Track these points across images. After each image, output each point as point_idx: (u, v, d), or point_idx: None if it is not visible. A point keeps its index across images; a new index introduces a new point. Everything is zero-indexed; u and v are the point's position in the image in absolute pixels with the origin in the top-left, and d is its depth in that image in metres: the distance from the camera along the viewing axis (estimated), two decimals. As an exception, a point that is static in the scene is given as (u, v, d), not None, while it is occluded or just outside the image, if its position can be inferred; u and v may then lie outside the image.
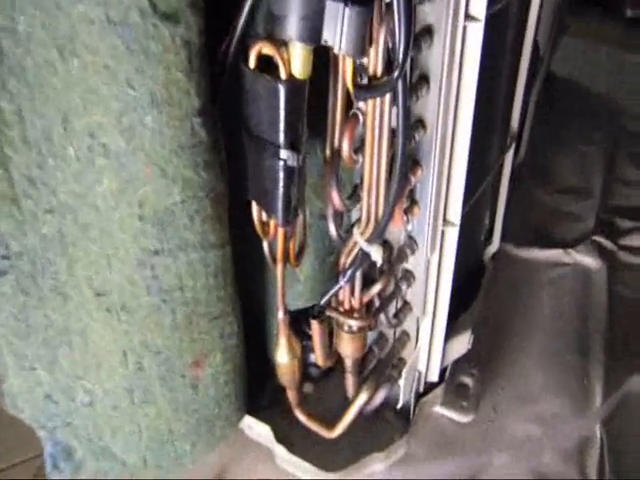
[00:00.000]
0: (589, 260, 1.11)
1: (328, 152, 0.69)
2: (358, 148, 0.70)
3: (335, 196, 0.71)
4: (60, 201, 0.66)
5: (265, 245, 0.74)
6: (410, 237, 0.76)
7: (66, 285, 0.70)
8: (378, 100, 0.63)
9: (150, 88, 0.58)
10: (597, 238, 1.14)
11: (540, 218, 1.17)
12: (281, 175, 0.64)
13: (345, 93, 0.65)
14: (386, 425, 0.90)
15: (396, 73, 0.58)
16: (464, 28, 0.65)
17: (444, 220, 0.76)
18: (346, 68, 0.59)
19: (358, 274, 0.74)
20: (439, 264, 0.78)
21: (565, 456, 0.89)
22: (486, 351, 1.00)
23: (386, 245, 0.78)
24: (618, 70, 1.51)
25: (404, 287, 0.78)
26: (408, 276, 0.79)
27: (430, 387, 0.93)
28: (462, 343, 0.91)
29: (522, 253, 1.13)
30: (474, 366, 0.98)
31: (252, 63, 0.60)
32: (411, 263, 0.78)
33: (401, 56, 0.57)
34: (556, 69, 1.46)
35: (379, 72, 0.60)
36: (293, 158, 0.63)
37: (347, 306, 0.76)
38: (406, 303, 0.82)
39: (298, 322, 0.84)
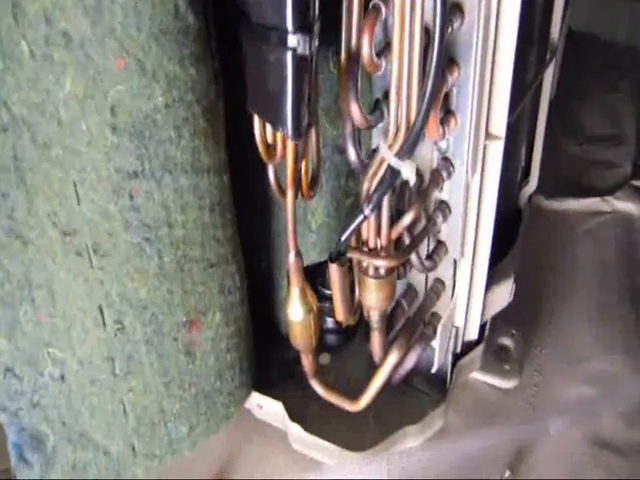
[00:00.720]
0: (630, 206, 0.98)
1: (344, 56, 0.56)
2: (381, 51, 0.56)
3: (355, 108, 0.57)
4: (13, 115, 0.52)
5: (270, 172, 0.60)
6: (445, 159, 0.63)
7: (25, 225, 0.55)
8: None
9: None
10: (636, 183, 1.01)
11: (571, 168, 1.04)
12: (289, 68, 0.50)
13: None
14: (419, 394, 0.76)
15: None
16: None
17: (486, 133, 0.62)
18: None
19: (385, 203, 0.60)
20: (480, 190, 0.64)
21: (628, 419, 0.75)
22: (525, 309, 0.86)
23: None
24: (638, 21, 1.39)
25: (439, 220, 0.65)
26: (443, 208, 0.65)
27: (466, 349, 0.79)
28: (503, 295, 0.77)
29: (554, 205, 1.00)
30: (513, 326, 0.84)
31: None
32: (446, 192, 0.64)
33: None
34: (572, 24, 1.34)
35: None
36: (304, 44, 0.49)
37: (372, 245, 0.62)
38: (440, 243, 0.68)
39: (311, 280, 0.70)
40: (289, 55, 0.50)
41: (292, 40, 0.49)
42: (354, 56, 0.57)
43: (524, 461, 0.74)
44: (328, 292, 0.77)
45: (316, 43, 0.50)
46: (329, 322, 0.80)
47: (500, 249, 0.82)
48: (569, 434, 0.74)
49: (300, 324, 0.65)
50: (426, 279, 0.72)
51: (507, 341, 0.84)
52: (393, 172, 0.57)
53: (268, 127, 0.57)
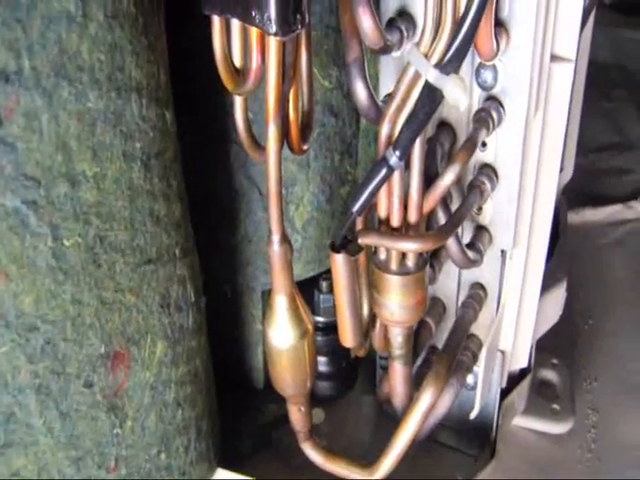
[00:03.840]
0: (657, 210, 0.80)
1: None
2: None
3: (366, 17, 0.35)
4: None
5: (238, 110, 0.37)
6: (490, 98, 0.41)
7: None
8: None
9: None
10: (655, 187, 0.83)
11: (582, 179, 0.86)
12: None
13: None
14: (453, 454, 0.52)
15: None
16: None
17: (551, 55, 0.41)
18: None
19: (417, 152, 0.38)
20: (541, 144, 0.42)
21: None
22: (562, 333, 0.64)
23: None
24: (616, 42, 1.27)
25: (486, 189, 0.42)
26: (488, 173, 0.43)
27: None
28: (555, 306, 0.54)
29: (573, 218, 0.80)
30: (552, 354, 0.62)
31: None
32: (491, 149, 0.42)
33: None
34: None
35: None
36: None
37: (397, 222, 0.39)
38: (480, 229, 0.46)
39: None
40: None
41: None
42: None
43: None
44: (319, 319, 0.53)
45: None
46: (320, 364, 0.55)
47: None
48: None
49: (289, 353, 0.40)
50: (458, 286, 0.49)
51: (549, 374, 0.61)
52: (432, 94, 0.35)
53: (234, 33, 0.35)
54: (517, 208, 0.44)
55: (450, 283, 0.49)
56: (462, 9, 0.35)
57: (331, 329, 0.52)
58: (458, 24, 0.34)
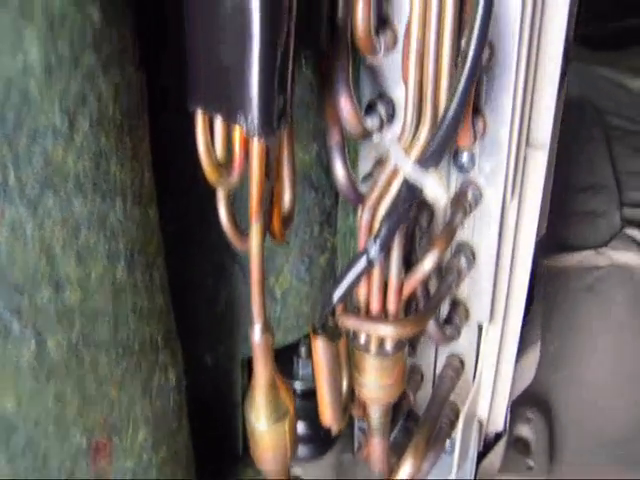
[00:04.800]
0: (628, 257, 0.81)
1: (326, 34, 0.36)
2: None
3: (347, 105, 0.37)
4: None
5: (221, 202, 0.37)
6: (467, 180, 0.42)
7: None
8: None
9: None
10: (630, 232, 0.85)
11: (555, 221, 0.87)
12: (257, 20, 0.29)
13: None
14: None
15: None
16: None
17: (527, 141, 0.42)
18: None
19: (397, 242, 0.38)
20: (517, 223, 0.43)
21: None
22: (538, 385, 0.65)
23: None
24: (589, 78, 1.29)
25: (463, 268, 0.43)
26: (465, 251, 0.44)
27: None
28: (529, 368, 0.56)
29: (545, 262, 0.81)
30: (527, 407, 0.63)
31: None
32: (468, 228, 0.43)
33: None
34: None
35: None
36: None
37: (377, 306, 0.40)
38: (456, 303, 0.47)
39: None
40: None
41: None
42: (342, 33, 0.37)
43: None
44: (298, 385, 0.53)
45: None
46: (299, 428, 0.55)
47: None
48: None
49: (270, 435, 0.41)
50: (435, 356, 0.50)
51: (524, 429, 0.62)
52: (411, 189, 0.36)
53: (217, 128, 0.35)
54: (494, 285, 0.45)
55: (428, 352, 0.50)
56: (442, 105, 0.36)
57: (310, 395, 0.52)
58: (439, 123, 0.35)
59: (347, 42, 0.38)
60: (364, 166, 0.44)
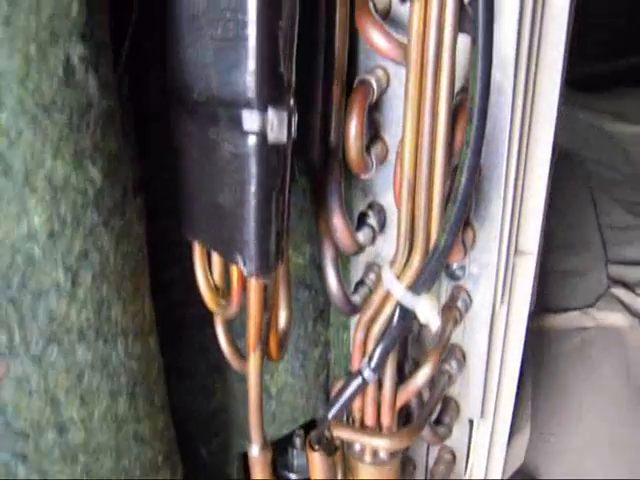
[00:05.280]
0: (615, 317, 0.83)
1: (318, 151, 0.37)
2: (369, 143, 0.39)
3: (340, 224, 0.38)
4: None
5: (219, 327, 0.38)
6: (458, 287, 0.43)
7: None
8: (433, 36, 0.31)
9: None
10: (616, 291, 0.86)
11: (540, 281, 0.89)
12: (256, 164, 0.30)
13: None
14: None
15: None
16: None
17: (515, 249, 0.43)
18: None
19: (390, 361, 0.39)
20: (506, 322, 0.45)
21: None
22: (527, 454, 0.66)
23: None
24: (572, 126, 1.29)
25: (453, 372, 0.44)
26: (456, 353, 0.45)
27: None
28: (517, 454, 0.56)
29: (531, 323, 0.82)
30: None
31: None
32: (459, 331, 0.44)
33: None
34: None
35: None
36: (279, 126, 0.29)
37: (372, 419, 0.41)
38: (448, 400, 0.48)
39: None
40: (254, 142, 0.30)
41: (254, 119, 0.29)
42: (334, 152, 0.38)
43: None
44: (292, 476, 0.54)
45: (295, 123, 0.30)
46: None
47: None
48: None
49: None
50: (427, 449, 0.51)
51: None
52: (404, 313, 0.37)
53: (215, 259, 0.36)
54: (484, 382, 0.46)
55: (420, 444, 0.51)
56: (433, 234, 0.37)
57: (305, 485, 0.53)
58: (430, 253, 0.36)
59: (339, 161, 0.40)
60: (356, 271, 0.45)
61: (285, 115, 0.29)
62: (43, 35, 0.26)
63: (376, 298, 0.38)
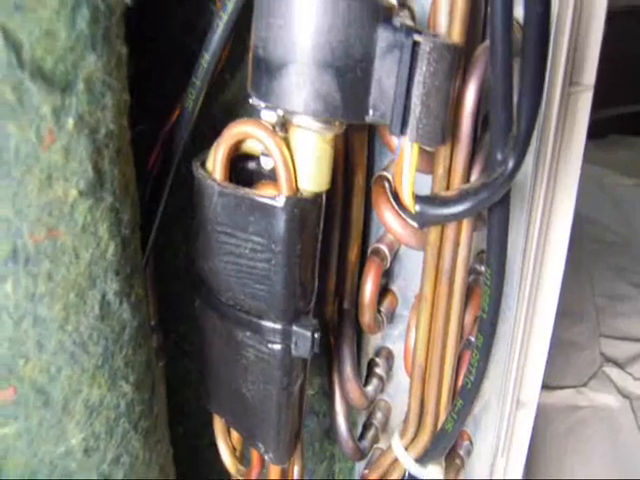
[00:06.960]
0: (608, 398, 0.84)
1: (331, 315, 0.39)
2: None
3: (353, 387, 0.40)
4: None
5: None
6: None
7: None
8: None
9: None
10: (608, 370, 0.87)
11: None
12: (279, 373, 0.32)
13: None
14: None
15: (510, 166, 0.28)
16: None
17: (517, 401, 0.45)
18: (403, 168, 0.29)
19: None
20: (505, 472, 0.46)
21: None
22: None
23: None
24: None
25: None
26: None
27: None
28: None
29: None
30: None
31: (219, 171, 0.29)
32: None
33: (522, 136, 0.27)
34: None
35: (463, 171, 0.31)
36: (302, 341, 0.31)
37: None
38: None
39: None
40: (277, 353, 0.32)
41: (280, 335, 0.31)
42: (348, 313, 0.40)
43: None
44: None
45: (318, 340, 0.32)
46: None
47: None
48: None
49: None
50: None
51: None
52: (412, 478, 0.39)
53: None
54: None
55: None
56: (442, 416, 0.38)
57: None
58: (437, 435, 0.37)
59: (352, 322, 0.41)
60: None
61: (309, 334, 0.31)
62: (81, 281, 0.27)
63: (384, 462, 0.40)
